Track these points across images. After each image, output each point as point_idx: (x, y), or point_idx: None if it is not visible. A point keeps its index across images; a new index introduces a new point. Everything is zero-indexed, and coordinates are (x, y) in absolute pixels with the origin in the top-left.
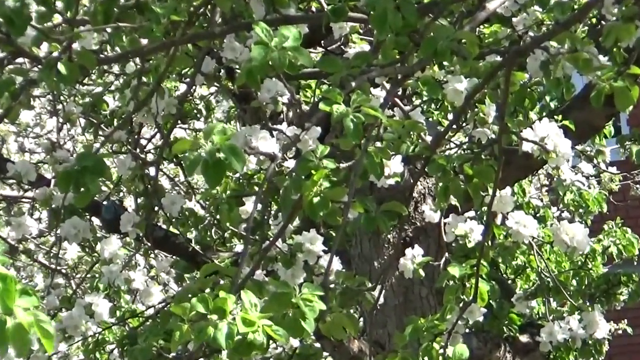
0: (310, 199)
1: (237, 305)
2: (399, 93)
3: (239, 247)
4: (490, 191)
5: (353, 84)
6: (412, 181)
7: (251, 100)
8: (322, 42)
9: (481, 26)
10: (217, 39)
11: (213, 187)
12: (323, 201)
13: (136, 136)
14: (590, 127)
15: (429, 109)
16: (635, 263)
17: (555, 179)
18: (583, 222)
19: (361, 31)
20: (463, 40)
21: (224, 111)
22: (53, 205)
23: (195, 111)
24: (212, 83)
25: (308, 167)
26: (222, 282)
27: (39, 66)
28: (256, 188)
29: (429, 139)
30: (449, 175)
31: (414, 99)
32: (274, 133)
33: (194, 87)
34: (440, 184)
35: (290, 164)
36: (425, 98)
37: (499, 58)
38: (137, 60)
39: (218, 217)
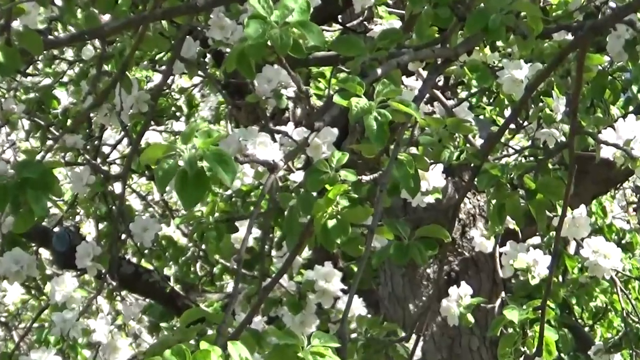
0: (324, 223)
1: None
2: (439, 83)
3: (231, 286)
4: (560, 211)
5: (379, 70)
6: (457, 198)
7: (246, 94)
8: (339, 17)
9: None
10: (201, 13)
11: (189, 207)
12: (341, 225)
13: (96, 142)
14: None
15: (478, 103)
16: None
17: None
18: None
19: (390, 2)
20: (522, 13)
21: (211, 108)
22: None
23: (173, 109)
24: (195, 72)
25: (321, 181)
26: (209, 332)
27: None
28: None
29: (479, 142)
30: (505, 190)
31: (458, 90)
32: (277, 136)
33: (171, 78)
34: (494, 202)
35: (298, 176)
36: (473, 89)
37: (569, 36)
38: (96, 42)
39: (204, 247)
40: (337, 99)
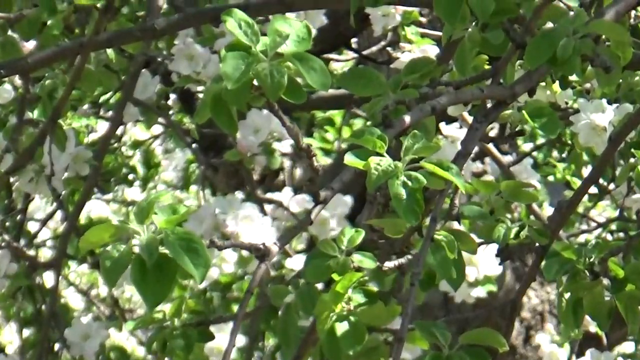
0: (332, 327)
1: None
2: (491, 133)
3: None
4: None
5: (407, 118)
6: (517, 291)
7: (225, 150)
8: (353, 41)
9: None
10: (162, 38)
11: (153, 305)
12: (354, 330)
13: (19, 217)
14: None
15: (546, 159)
16: None
17: None
18: None
19: (423, 19)
20: (604, 37)
21: (177, 169)
22: None
23: (125, 170)
24: (155, 119)
25: (327, 269)
26: None
27: None
28: (237, 309)
29: (547, 213)
30: (582, 280)
31: (518, 142)
32: (268, 208)
33: (121, 128)
34: (568, 296)
35: (297, 262)
36: (539, 141)
37: None
38: (17, 80)
39: None
40: (350, 158)
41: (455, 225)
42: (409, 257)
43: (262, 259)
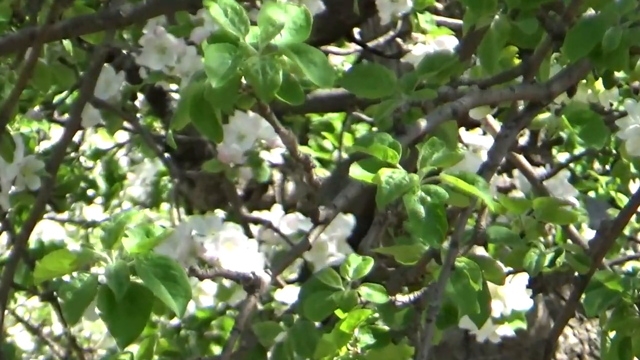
0: None
1: None
2: (522, 141)
3: None
4: None
5: (423, 123)
6: (552, 329)
7: (203, 160)
8: (356, 31)
9: None
10: (128, 27)
11: (125, 344)
12: None
13: None
14: None
15: (586, 172)
16: None
17: None
18: None
19: (439, 6)
20: None
21: (146, 183)
22: None
23: (83, 185)
24: (119, 123)
25: (328, 304)
26: None
27: None
28: (215, 350)
29: (588, 237)
30: (630, 316)
31: (554, 152)
32: (254, 229)
33: (79, 133)
34: (613, 334)
35: (290, 294)
36: (577, 150)
37: None
38: None
39: None
40: (356, 171)
41: (479, 250)
42: (425, 289)
43: (251, 290)
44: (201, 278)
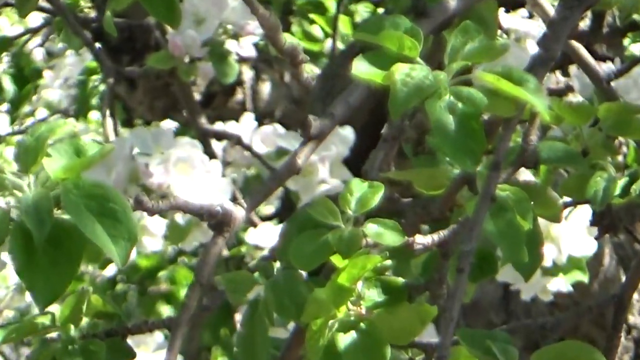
0: (331, 343)
1: None
2: (583, 26)
3: None
4: None
5: (452, 1)
6: (625, 280)
7: (146, 52)
8: None
9: None
10: None
11: (45, 303)
12: (367, 347)
13: None
14: None
15: None
16: None
17: None
18: None
19: None
20: None
21: (69, 84)
22: None
23: None
24: (34, 2)
25: (323, 248)
26: None
27: None
28: (163, 311)
29: None
30: None
31: (624, 42)
32: (218, 147)
33: None
34: None
35: (265, 236)
36: None
37: None
38: None
39: None
40: (359, 67)
41: (526, 175)
42: (454, 227)
43: (218, 228)
44: (150, 212)
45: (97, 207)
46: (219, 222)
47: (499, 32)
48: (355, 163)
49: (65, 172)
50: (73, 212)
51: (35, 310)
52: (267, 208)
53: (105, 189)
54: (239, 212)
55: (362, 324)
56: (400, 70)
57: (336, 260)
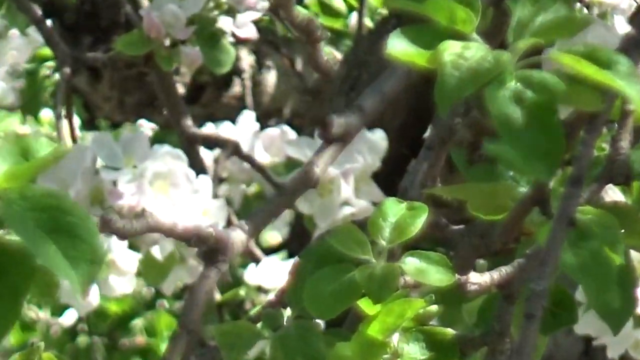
0: None
1: None
2: None
3: None
4: None
5: None
6: None
7: (115, 34)
8: None
9: None
10: None
11: None
12: None
13: None
14: None
15: None
16: None
17: None
18: None
19: None
20: None
21: (13, 75)
22: None
23: None
24: None
25: (345, 290)
26: None
27: None
28: None
29: None
30: None
31: None
32: (208, 156)
33: None
34: None
35: (273, 273)
36: None
37: None
38: None
39: None
40: (396, 45)
41: (615, 194)
42: (521, 261)
43: (211, 258)
44: (121, 236)
45: (49, 222)
46: (211, 249)
47: (578, 4)
48: (390, 177)
49: (9, 179)
50: (18, 228)
51: None
52: (273, 236)
53: (60, 199)
54: (236, 237)
55: None
56: (450, 50)
57: (365, 305)
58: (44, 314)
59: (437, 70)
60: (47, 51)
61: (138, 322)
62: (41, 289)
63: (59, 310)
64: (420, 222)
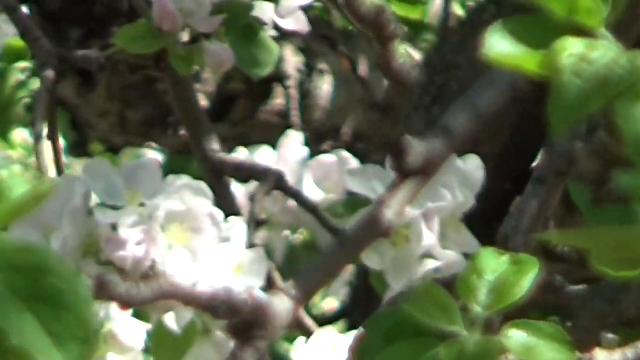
0: None
1: None
2: None
3: None
4: None
5: None
6: None
7: (115, 24)
8: None
9: None
10: None
11: None
12: None
13: None
14: None
15: None
16: None
17: None
18: None
19: None
20: None
21: None
22: None
23: None
24: None
25: None
26: None
27: None
28: None
29: None
30: None
31: None
32: (239, 191)
33: None
34: None
35: (329, 351)
36: None
37: None
38: None
39: None
40: (496, 44)
41: None
42: None
43: (245, 334)
44: (123, 304)
45: (27, 286)
46: (246, 321)
47: None
48: (487, 220)
49: None
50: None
51: None
52: (328, 301)
53: (41, 255)
54: (280, 305)
55: None
56: (570, 50)
57: None
58: None
59: (552, 77)
60: (20, 46)
61: None
62: None
63: None
64: (528, 281)
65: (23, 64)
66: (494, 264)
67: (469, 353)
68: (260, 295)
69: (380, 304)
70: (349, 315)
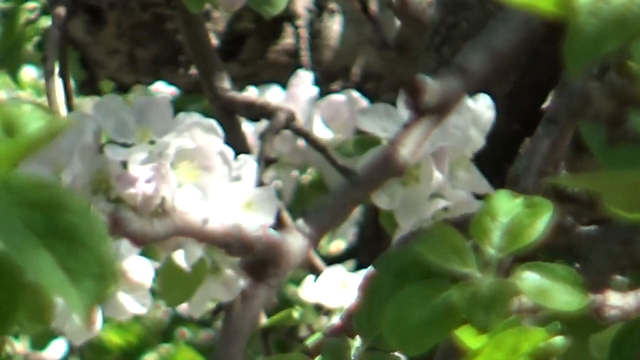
0: None
1: None
2: None
3: None
4: None
5: None
6: None
7: None
8: None
9: None
10: None
11: None
12: None
13: None
14: None
15: None
16: None
17: None
18: None
19: None
20: None
21: None
22: None
23: None
24: None
25: (439, 315)
26: None
27: None
28: None
29: None
30: None
31: None
32: (249, 129)
33: None
34: None
35: (338, 291)
36: None
37: None
38: None
39: None
40: None
41: None
42: None
43: (259, 271)
44: (136, 241)
45: (42, 222)
46: (259, 259)
47: None
48: (497, 161)
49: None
50: (1, 230)
51: None
52: (335, 243)
53: (55, 190)
54: (294, 243)
55: None
56: None
57: (465, 336)
58: (21, 347)
59: (568, 17)
60: None
61: (149, 359)
62: (32, 312)
63: (41, 340)
64: (542, 224)
65: (32, 4)
66: (507, 206)
67: (482, 295)
68: (275, 233)
69: (389, 244)
70: (356, 256)
